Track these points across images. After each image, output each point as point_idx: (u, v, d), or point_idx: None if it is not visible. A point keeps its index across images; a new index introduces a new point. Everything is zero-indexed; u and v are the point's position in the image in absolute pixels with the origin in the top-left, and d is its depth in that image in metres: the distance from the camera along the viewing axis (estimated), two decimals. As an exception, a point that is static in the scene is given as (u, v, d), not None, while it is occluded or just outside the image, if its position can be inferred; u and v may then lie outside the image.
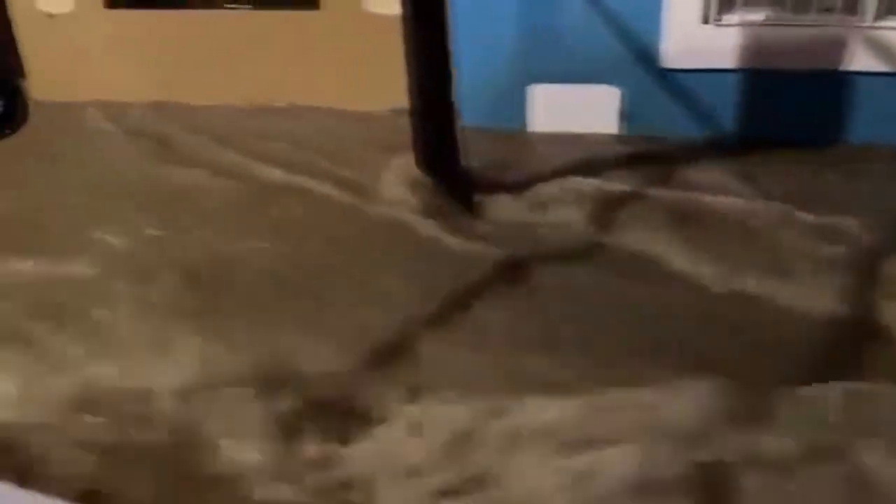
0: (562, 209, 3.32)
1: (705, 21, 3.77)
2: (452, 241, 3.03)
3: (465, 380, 2.17)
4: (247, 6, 4.96)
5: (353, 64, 4.65)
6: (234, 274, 2.88)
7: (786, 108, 3.84)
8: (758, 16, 3.75)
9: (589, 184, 3.49)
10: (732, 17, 3.76)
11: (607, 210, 3.26)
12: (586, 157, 3.78)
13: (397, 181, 3.55)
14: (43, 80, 5.47)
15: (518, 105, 4.25)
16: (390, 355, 2.31)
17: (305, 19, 4.74)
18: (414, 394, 2.13)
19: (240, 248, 3.08)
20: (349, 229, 3.22)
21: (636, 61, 3.94)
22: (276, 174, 3.94)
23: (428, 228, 3.14)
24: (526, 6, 4.09)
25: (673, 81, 3.91)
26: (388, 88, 4.58)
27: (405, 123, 4.30)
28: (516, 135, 4.23)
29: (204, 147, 4.37)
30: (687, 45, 3.81)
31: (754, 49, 3.74)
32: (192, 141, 4.49)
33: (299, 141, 4.35)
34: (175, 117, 4.85)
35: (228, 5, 5.01)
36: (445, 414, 2.03)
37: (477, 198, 3.45)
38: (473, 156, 3.57)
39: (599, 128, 4.12)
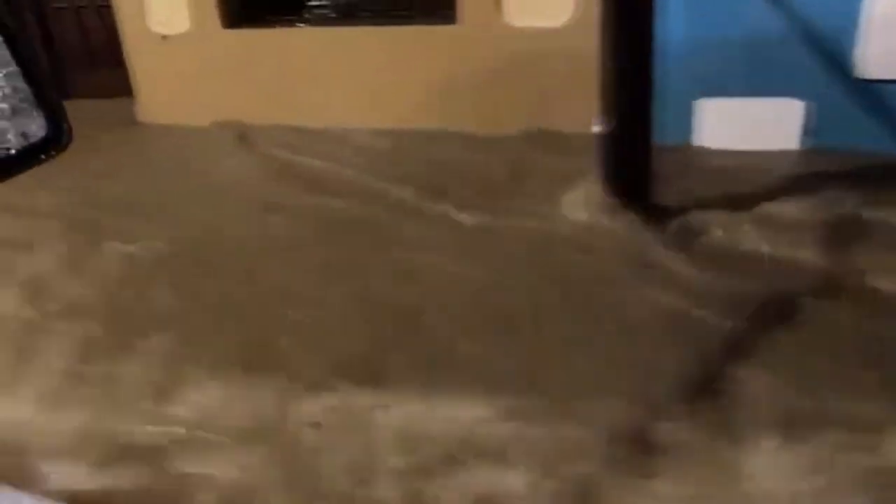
0: (779, 233, 3.01)
1: (910, 26, 3.45)
2: (681, 273, 2.73)
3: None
4: (375, 23, 4.72)
5: (494, 82, 4.39)
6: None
7: None
8: (971, 19, 3.42)
9: (799, 206, 3.18)
10: (942, 22, 3.44)
11: (835, 236, 2.94)
12: (780, 176, 3.48)
13: (584, 209, 3.25)
14: (155, 103, 5.33)
15: (684, 120, 3.96)
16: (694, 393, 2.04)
17: (441, 35, 4.49)
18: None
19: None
20: (554, 264, 2.93)
21: (824, 71, 3.63)
22: (410, 196, 3.70)
23: (644, 258, 2.85)
24: (695, 12, 3.81)
25: (869, 92, 3.58)
26: (532, 109, 4.36)
27: (562, 145, 4.11)
28: (683, 152, 3.93)
29: (343, 174, 4.14)
30: (888, 53, 3.48)
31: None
32: (326, 167, 4.27)
33: (442, 167, 4.10)
34: (303, 140, 4.63)
35: (355, 22, 4.78)
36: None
37: (675, 222, 3.16)
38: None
39: (778, 144, 3.80)
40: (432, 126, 4.54)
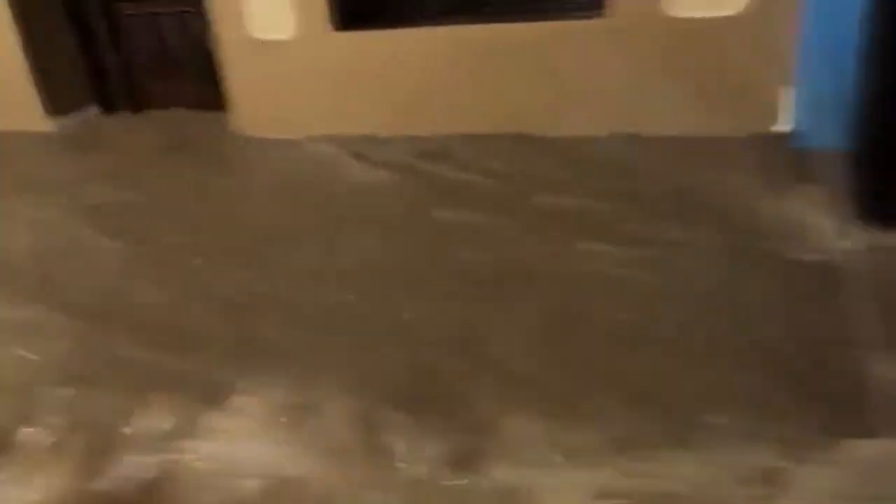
0: None
1: None
2: None
3: None
4: (506, 19, 4.24)
5: (654, 83, 3.92)
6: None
7: None
8: None
9: None
10: None
11: None
12: None
13: (826, 224, 2.79)
14: (252, 114, 4.90)
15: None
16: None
17: (587, 30, 4.02)
18: None
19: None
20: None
21: None
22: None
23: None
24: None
25: None
26: (701, 111, 3.90)
27: (751, 149, 3.66)
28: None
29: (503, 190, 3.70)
30: None
31: None
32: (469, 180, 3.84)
33: (624, 176, 3.65)
34: (431, 152, 4.19)
35: (481, 19, 4.31)
36: None
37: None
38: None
39: None
40: (579, 133, 4.09)
